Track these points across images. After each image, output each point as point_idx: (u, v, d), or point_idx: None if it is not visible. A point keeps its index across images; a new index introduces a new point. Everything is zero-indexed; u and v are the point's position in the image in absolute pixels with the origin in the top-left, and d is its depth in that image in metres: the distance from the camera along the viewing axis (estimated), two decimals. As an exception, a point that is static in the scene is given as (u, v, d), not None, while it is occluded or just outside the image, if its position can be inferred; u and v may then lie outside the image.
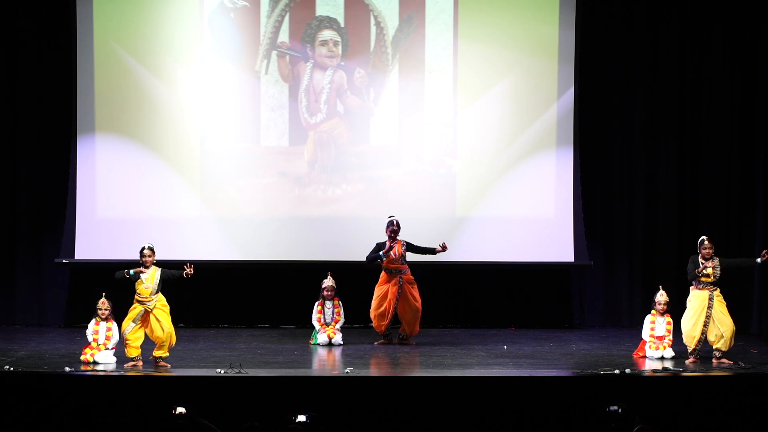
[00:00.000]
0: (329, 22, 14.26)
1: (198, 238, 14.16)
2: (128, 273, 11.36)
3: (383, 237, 13.07)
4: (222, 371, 10.57)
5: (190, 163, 14.20)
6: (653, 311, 12.27)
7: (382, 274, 13.01)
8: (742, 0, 14.38)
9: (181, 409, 8.73)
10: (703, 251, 11.66)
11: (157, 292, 11.35)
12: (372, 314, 12.97)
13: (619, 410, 8.76)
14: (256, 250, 14.23)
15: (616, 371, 10.83)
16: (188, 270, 11.37)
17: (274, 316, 14.50)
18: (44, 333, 13.72)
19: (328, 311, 13.07)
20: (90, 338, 11.58)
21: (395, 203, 14.08)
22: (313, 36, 14.27)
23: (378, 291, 12.99)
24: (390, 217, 13.05)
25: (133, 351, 11.28)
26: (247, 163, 14.26)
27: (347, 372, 10.71)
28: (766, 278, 13.84)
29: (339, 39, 14.27)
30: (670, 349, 12.01)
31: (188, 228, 14.18)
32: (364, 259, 13.03)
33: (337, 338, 12.91)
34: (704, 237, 11.81)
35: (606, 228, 14.77)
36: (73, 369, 10.80)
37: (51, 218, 14.37)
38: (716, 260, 11.69)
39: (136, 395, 10.23)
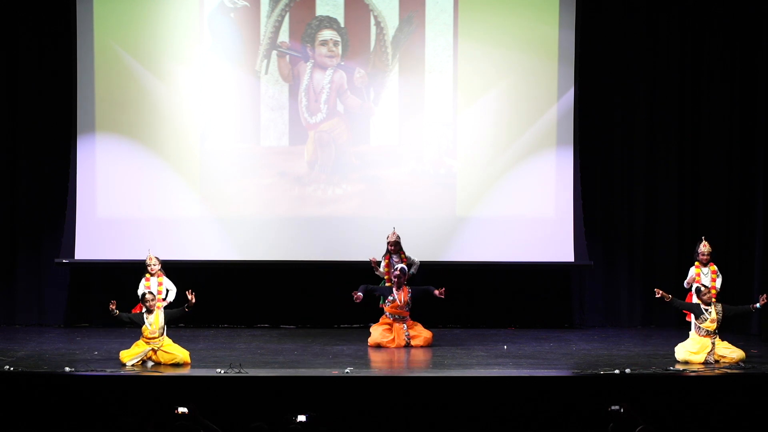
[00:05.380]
0: (329, 22, 14.25)
1: (198, 238, 14.16)
2: (128, 318, 11.48)
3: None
4: (222, 371, 10.56)
5: (189, 163, 14.19)
6: (696, 263, 12.39)
7: (383, 318, 12.93)
8: (742, 0, 14.39)
9: (182, 409, 8.72)
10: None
11: (162, 334, 11.33)
12: (378, 341, 12.82)
13: (621, 410, 8.75)
14: (256, 250, 14.22)
15: (616, 371, 10.83)
16: (190, 298, 11.34)
17: (274, 316, 14.49)
18: (44, 333, 13.71)
19: (397, 266, 12.98)
20: (142, 291, 11.80)
21: (395, 203, 14.07)
22: (313, 36, 14.26)
23: (379, 330, 12.84)
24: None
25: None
26: (247, 163, 14.25)
27: (347, 372, 10.71)
28: (766, 279, 13.84)
29: (339, 39, 14.27)
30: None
31: (188, 228, 14.17)
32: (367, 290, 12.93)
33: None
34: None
35: (606, 228, 14.77)
36: (73, 369, 10.80)
37: (51, 218, 14.37)
38: (719, 306, 11.74)
39: (136, 395, 10.22)
